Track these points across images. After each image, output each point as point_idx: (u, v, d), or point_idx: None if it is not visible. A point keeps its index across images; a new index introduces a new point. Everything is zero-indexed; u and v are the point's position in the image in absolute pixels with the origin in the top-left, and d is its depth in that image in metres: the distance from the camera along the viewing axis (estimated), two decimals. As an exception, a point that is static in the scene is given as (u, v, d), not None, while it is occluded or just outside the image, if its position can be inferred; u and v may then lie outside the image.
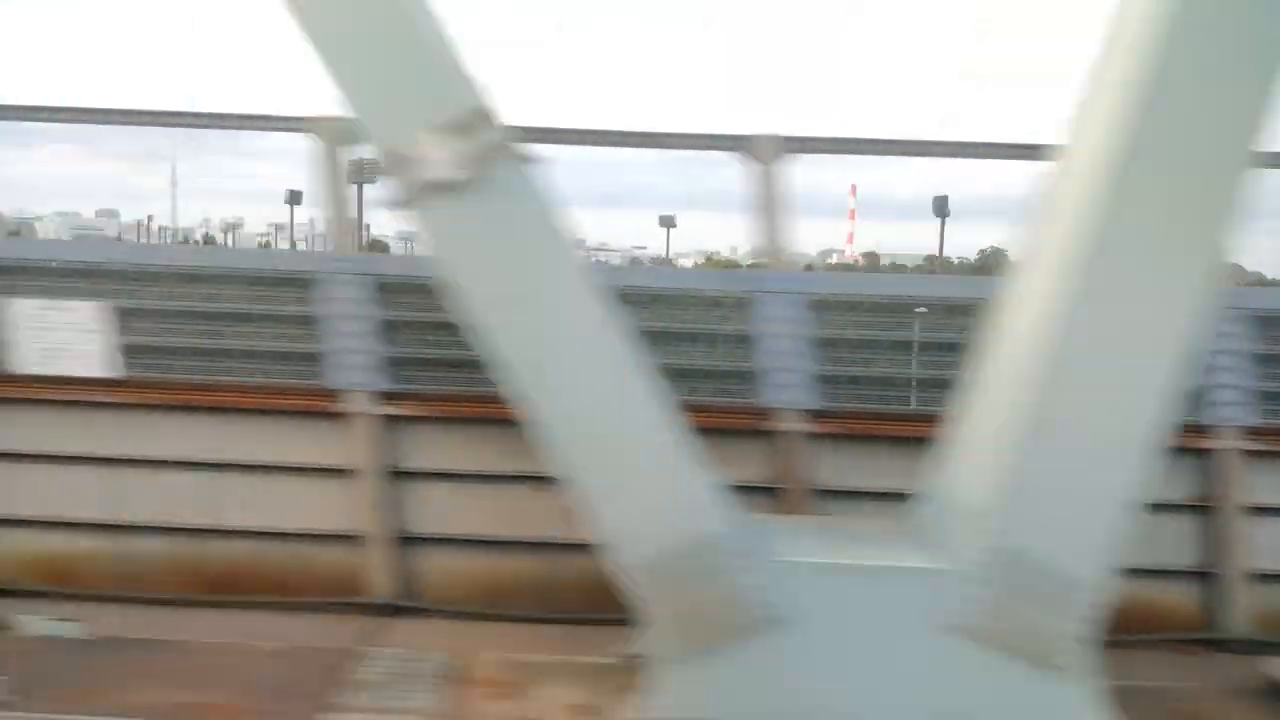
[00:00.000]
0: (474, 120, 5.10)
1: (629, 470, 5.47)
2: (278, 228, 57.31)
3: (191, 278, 7.63)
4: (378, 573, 7.37)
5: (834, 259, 56.92)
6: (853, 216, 61.47)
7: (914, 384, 7.68)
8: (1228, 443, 7.43)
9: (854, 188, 61.39)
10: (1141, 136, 5.06)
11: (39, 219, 52.83)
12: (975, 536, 5.40)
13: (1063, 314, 5.29)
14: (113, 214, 59.00)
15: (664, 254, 54.17)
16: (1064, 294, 5.30)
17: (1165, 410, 5.26)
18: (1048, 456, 5.29)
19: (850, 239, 61.33)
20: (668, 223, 56.91)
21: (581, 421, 5.44)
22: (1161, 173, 5.09)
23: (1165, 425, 5.28)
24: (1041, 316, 5.43)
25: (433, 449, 7.50)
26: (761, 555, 5.46)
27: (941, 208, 45.86)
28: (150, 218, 51.78)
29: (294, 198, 54.43)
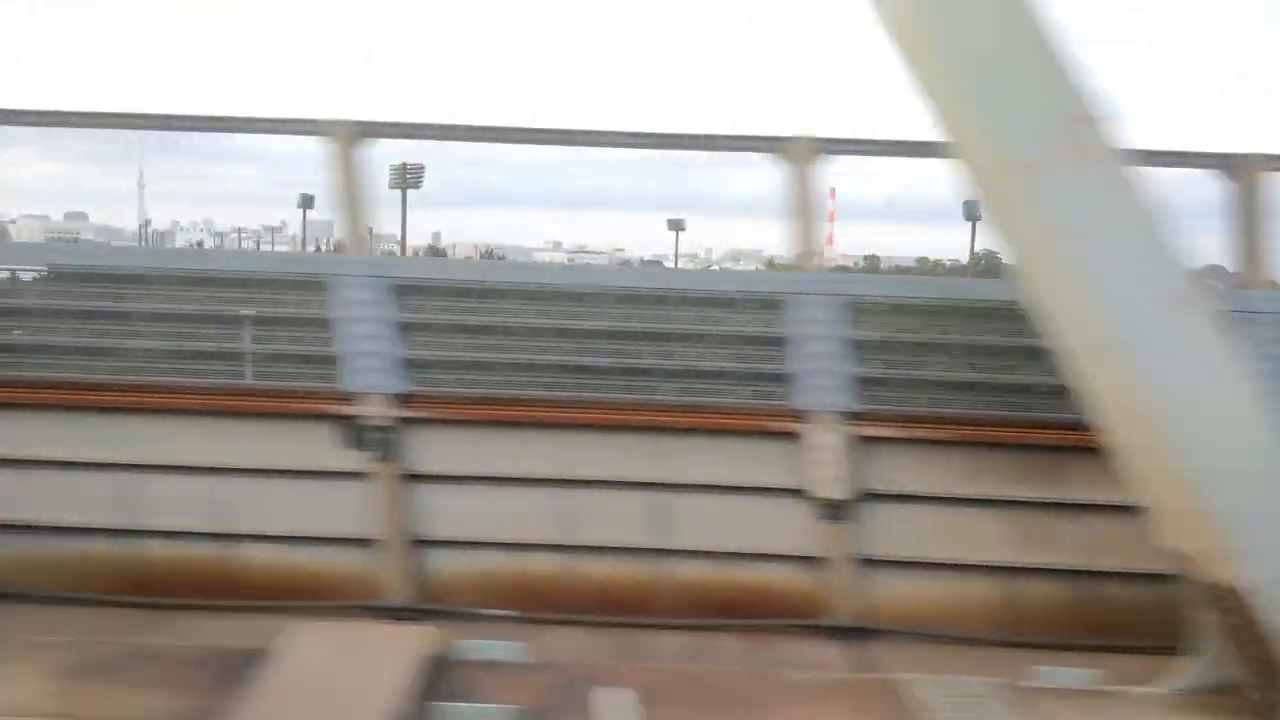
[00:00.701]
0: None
1: None
2: (274, 230, 53.55)
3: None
4: None
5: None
6: (832, 219, 64.58)
7: None
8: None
9: (833, 191, 64.44)
10: None
11: (12, 222, 46.85)
12: None
13: None
14: (81, 217, 53.10)
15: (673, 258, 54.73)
16: None
17: None
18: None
19: (830, 240, 64.44)
20: (676, 226, 57.42)
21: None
22: None
23: None
24: None
25: None
26: None
27: (972, 211, 49.29)
28: (149, 221, 47.15)
29: (306, 201, 51.15)
